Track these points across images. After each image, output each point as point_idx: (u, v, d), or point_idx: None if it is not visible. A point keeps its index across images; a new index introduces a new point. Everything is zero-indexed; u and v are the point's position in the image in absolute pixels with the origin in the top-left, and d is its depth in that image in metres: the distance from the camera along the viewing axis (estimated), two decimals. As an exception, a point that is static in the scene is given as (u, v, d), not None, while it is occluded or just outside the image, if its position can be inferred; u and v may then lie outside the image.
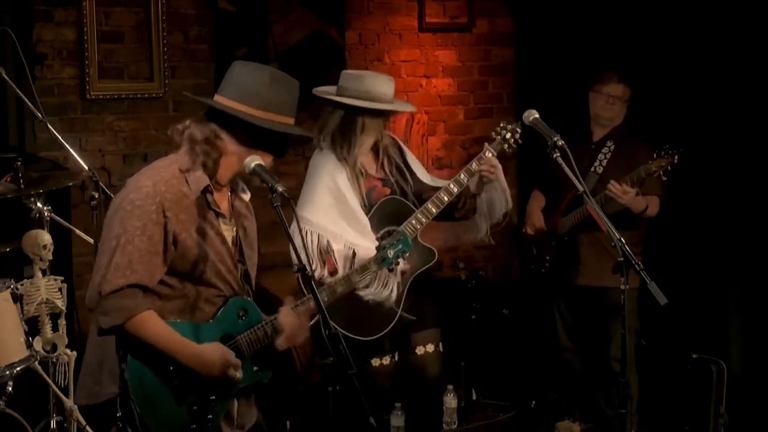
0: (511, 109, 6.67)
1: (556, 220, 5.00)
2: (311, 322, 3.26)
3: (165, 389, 3.04)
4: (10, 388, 3.84)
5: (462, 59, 6.53)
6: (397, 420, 4.40)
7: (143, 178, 3.06)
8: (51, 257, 4.07)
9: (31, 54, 5.08)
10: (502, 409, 5.46)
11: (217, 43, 5.67)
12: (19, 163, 4.26)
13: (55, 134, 4.06)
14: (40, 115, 4.05)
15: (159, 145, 5.39)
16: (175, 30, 5.58)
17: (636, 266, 3.23)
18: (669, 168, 4.64)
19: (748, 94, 5.24)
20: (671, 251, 5.31)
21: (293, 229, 3.49)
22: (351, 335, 3.99)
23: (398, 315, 4.09)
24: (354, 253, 3.99)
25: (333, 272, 3.96)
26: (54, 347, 4.10)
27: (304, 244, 3.77)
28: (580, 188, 3.35)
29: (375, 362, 4.21)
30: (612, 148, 4.93)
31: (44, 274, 4.09)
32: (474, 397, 5.55)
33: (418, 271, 4.17)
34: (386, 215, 4.15)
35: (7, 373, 3.74)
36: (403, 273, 4.07)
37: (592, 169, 4.91)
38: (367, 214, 4.11)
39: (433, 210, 4.12)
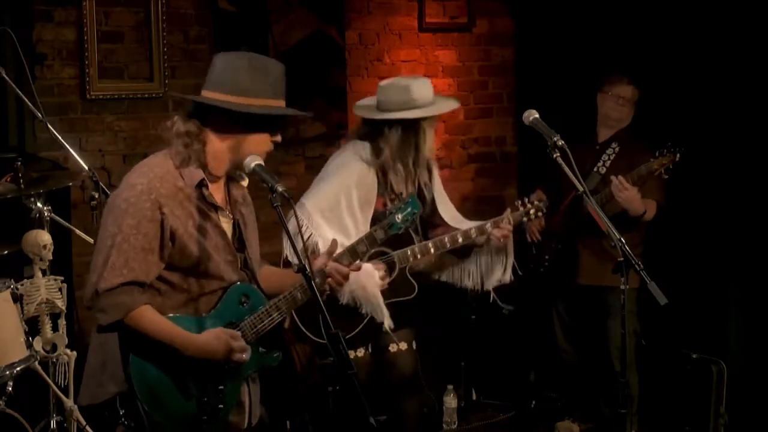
0: (511, 109, 6.67)
1: (556, 221, 5.00)
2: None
3: (170, 384, 3.05)
4: (10, 388, 3.85)
5: (462, 59, 6.53)
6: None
7: (137, 175, 3.06)
8: (51, 257, 4.07)
9: (31, 54, 5.08)
10: (502, 409, 5.47)
11: (217, 43, 5.66)
12: (19, 163, 4.26)
13: (55, 134, 4.07)
14: (40, 115, 4.06)
15: (159, 145, 5.29)
16: (175, 30, 5.58)
17: (636, 266, 3.23)
18: (671, 166, 4.64)
19: (748, 93, 5.24)
20: (671, 251, 5.31)
21: (291, 219, 3.48)
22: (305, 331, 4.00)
23: (369, 317, 4.04)
24: None
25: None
26: (54, 347, 4.10)
27: (301, 236, 3.76)
28: (580, 188, 3.35)
29: (350, 354, 4.16)
30: (616, 149, 4.93)
31: (44, 274, 4.09)
32: (474, 397, 5.55)
33: (391, 300, 4.10)
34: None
35: (7, 373, 3.74)
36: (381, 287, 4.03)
37: (595, 169, 4.92)
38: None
39: (432, 251, 4.11)
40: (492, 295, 4.40)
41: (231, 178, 3.22)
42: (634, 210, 4.70)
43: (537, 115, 3.47)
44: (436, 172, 4.33)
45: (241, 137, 3.07)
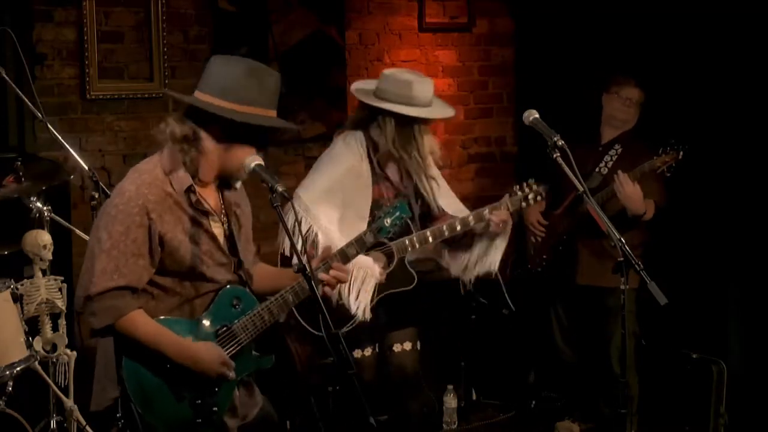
0: (511, 109, 6.67)
1: (555, 220, 5.00)
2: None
3: (163, 387, 3.05)
4: (10, 388, 3.85)
5: (462, 59, 6.53)
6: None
7: (127, 182, 3.07)
8: (51, 257, 4.07)
9: (31, 54, 5.08)
10: (502, 409, 5.46)
11: (217, 43, 5.66)
12: (19, 163, 4.26)
13: (55, 134, 4.07)
14: (40, 115, 4.06)
15: (158, 145, 5.38)
16: (175, 30, 5.58)
17: (636, 266, 3.23)
18: (674, 164, 4.64)
19: (747, 93, 5.24)
20: (671, 251, 5.31)
21: (289, 212, 3.47)
22: (309, 329, 3.98)
23: (354, 323, 4.00)
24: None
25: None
26: (54, 347, 4.10)
27: (300, 232, 3.75)
28: (580, 188, 3.35)
29: (357, 354, 4.16)
30: (619, 150, 4.93)
31: (44, 274, 4.09)
32: (474, 397, 5.55)
33: (391, 291, 4.09)
34: None
35: (7, 373, 3.74)
36: (378, 283, 4.02)
37: (597, 169, 4.92)
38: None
39: (430, 239, 4.09)
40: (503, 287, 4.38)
41: (224, 184, 3.18)
42: (635, 208, 4.69)
43: (537, 115, 3.47)
44: (442, 179, 4.32)
45: (229, 146, 3.04)
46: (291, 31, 5.91)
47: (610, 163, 4.92)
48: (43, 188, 4.19)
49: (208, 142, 3.06)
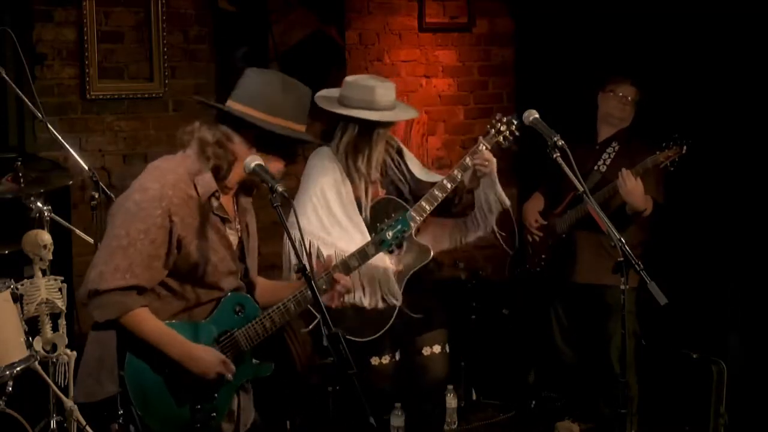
0: (511, 109, 6.66)
1: (554, 220, 5.00)
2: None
3: (164, 391, 3.05)
4: (10, 388, 3.85)
5: (462, 59, 6.53)
6: (397, 420, 4.38)
7: (150, 179, 3.03)
8: (51, 257, 4.07)
9: (31, 54, 5.08)
10: (502, 409, 5.46)
11: (217, 43, 5.67)
12: (19, 163, 4.26)
13: (55, 134, 4.07)
14: (40, 115, 4.05)
15: (159, 145, 5.39)
16: (175, 30, 5.58)
17: (636, 266, 3.23)
18: (677, 159, 4.63)
19: (747, 92, 5.24)
20: (671, 251, 5.31)
21: (291, 224, 3.48)
22: (353, 338, 3.97)
23: (397, 309, 4.05)
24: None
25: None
26: (54, 347, 4.10)
27: (302, 240, 3.76)
28: (580, 188, 3.35)
29: (374, 361, 4.17)
30: (616, 148, 4.93)
31: (44, 274, 4.09)
32: (474, 397, 5.55)
33: (413, 270, 4.12)
34: (381, 216, 4.12)
35: (7, 373, 3.74)
36: (399, 272, 4.06)
37: (596, 168, 4.92)
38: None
39: (428, 207, 4.08)
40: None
41: (242, 189, 3.21)
42: (636, 204, 4.67)
43: (537, 115, 3.47)
44: (406, 150, 4.31)
45: (263, 155, 3.05)
46: (291, 31, 5.92)
47: (608, 161, 4.92)
48: (38, 192, 4.19)
49: (240, 148, 3.06)
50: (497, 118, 4.23)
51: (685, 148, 4.61)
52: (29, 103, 4.14)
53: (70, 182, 4.66)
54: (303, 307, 3.20)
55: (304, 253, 3.77)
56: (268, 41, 5.83)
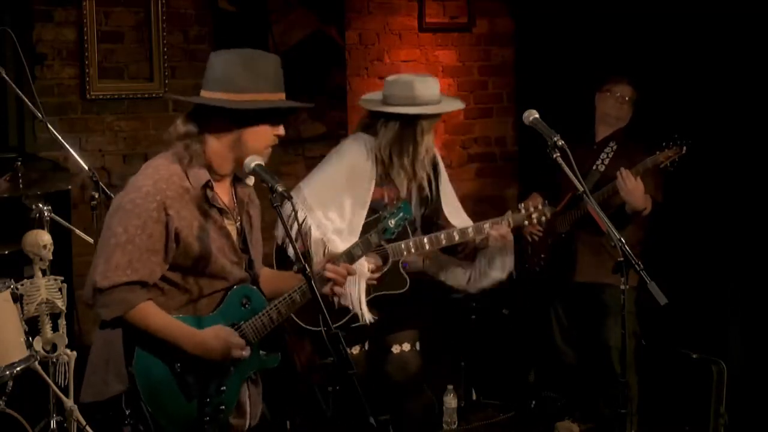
0: (511, 109, 6.67)
1: (553, 219, 5.00)
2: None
3: (174, 386, 3.05)
4: (10, 388, 3.85)
5: (462, 59, 6.53)
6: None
7: (143, 177, 3.06)
8: (51, 257, 4.08)
9: (31, 54, 5.08)
10: (502, 409, 5.46)
11: (217, 43, 5.66)
12: (19, 163, 4.26)
13: (55, 134, 4.07)
14: (40, 115, 4.06)
15: (159, 145, 5.31)
16: (175, 30, 5.58)
17: (636, 266, 3.23)
18: (677, 159, 4.63)
19: (746, 93, 5.24)
20: (671, 250, 5.31)
21: (286, 207, 3.49)
22: (309, 327, 3.99)
23: (349, 316, 4.03)
24: (327, 249, 3.96)
25: (303, 252, 3.91)
26: (54, 347, 4.10)
27: (298, 224, 3.76)
28: (580, 188, 3.35)
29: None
30: (614, 147, 4.94)
31: (44, 274, 4.09)
32: (474, 397, 5.55)
33: (381, 293, 4.11)
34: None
35: (7, 373, 3.75)
36: (371, 285, 4.03)
37: (594, 167, 4.92)
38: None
39: (427, 246, 4.12)
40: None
41: (238, 179, 3.23)
42: (636, 204, 4.67)
43: (537, 115, 3.47)
44: (443, 171, 4.33)
45: (239, 133, 3.07)
46: (291, 31, 5.92)
47: (607, 160, 4.93)
48: (38, 192, 4.19)
49: (213, 136, 3.08)
50: (536, 207, 4.28)
51: (684, 148, 4.61)
52: (29, 103, 4.14)
53: (69, 187, 4.68)
54: (308, 297, 3.20)
55: (303, 248, 3.76)
56: (268, 41, 5.83)
